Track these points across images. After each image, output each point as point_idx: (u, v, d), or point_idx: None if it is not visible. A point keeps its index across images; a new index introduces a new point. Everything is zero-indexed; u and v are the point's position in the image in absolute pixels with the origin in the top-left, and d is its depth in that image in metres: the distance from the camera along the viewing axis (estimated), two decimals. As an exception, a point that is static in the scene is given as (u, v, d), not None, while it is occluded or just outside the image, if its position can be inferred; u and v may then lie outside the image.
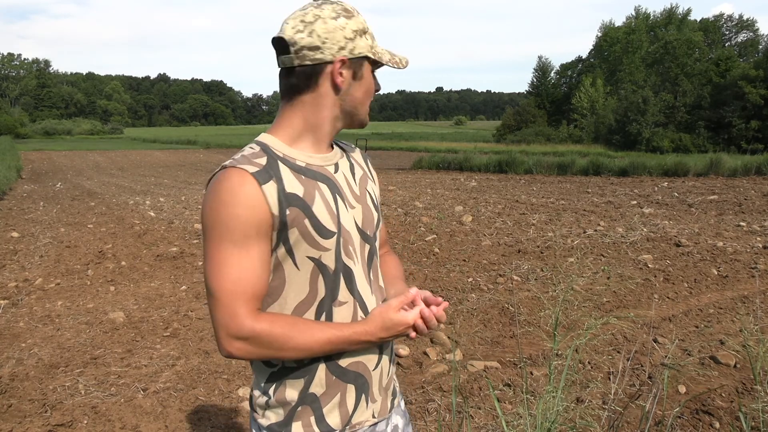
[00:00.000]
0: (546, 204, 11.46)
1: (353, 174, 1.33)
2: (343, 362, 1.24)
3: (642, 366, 3.73)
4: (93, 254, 7.27)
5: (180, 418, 3.23)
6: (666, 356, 3.89)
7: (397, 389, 1.44)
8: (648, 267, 6.24)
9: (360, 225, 1.28)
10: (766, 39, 55.24)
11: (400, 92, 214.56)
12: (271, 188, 1.13)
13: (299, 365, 1.21)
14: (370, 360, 1.27)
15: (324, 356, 1.21)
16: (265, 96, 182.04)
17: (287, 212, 1.14)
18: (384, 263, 1.48)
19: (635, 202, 11.52)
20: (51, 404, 3.33)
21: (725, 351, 3.97)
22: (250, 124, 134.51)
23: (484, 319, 4.75)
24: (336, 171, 1.27)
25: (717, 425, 3.05)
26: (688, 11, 55.62)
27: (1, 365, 3.91)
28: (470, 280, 5.89)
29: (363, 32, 1.21)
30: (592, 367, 3.75)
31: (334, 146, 1.34)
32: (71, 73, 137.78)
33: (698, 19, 56.36)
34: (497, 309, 4.95)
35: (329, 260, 1.20)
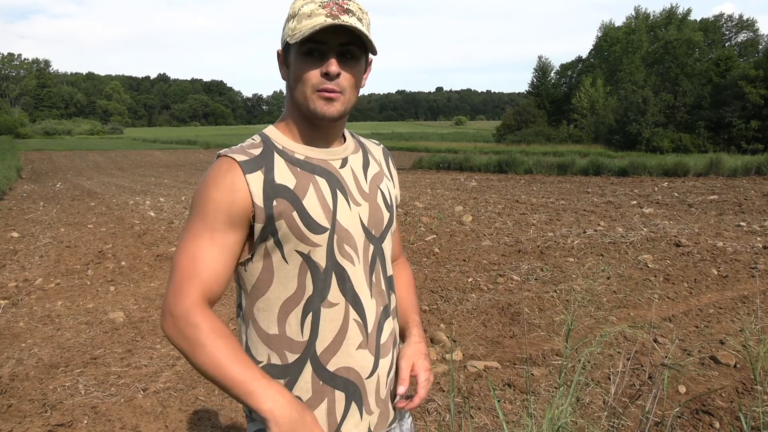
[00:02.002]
0: (546, 204, 11.45)
1: (365, 170, 1.27)
2: (332, 366, 1.18)
3: (642, 366, 3.73)
4: (93, 254, 7.27)
5: (180, 418, 3.23)
6: (666, 356, 3.89)
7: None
8: (648, 267, 6.24)
9: (365, 223, 1.22)
10: (766, 39, 55.20)
11: (400, 92, 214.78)
12: (256, 178, 1.13)
13: (283, 362, 1.17)
14: (363, 367, 1.20)
15: (310, 357, 1.16)
16: (265, 96, 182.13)
17: (274, 203, 1.13)
18: (395, 276, 1.40)
19: (635, 202, 11.52)
20: (51, 404, 3.33)
21: (725, 351, 3.97)
22: (250, 124, 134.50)
23: (484, 319, 4.75)
24: (343, 166, 1.23)
25: (717, 425, 3.05)
26: (688, 11, 55.59)
27: (1, 365, 3.91)
28: (470, 280, 5.89)
29: (291, 17, 1.15)
30: (592, 367, 3.75)
31: (351, 141, 1.30)
32: (71, 73, 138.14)
33: (698, 19, 56.31)
34: (497, 309, 4.95)
35: (320, 257, 1.16)
